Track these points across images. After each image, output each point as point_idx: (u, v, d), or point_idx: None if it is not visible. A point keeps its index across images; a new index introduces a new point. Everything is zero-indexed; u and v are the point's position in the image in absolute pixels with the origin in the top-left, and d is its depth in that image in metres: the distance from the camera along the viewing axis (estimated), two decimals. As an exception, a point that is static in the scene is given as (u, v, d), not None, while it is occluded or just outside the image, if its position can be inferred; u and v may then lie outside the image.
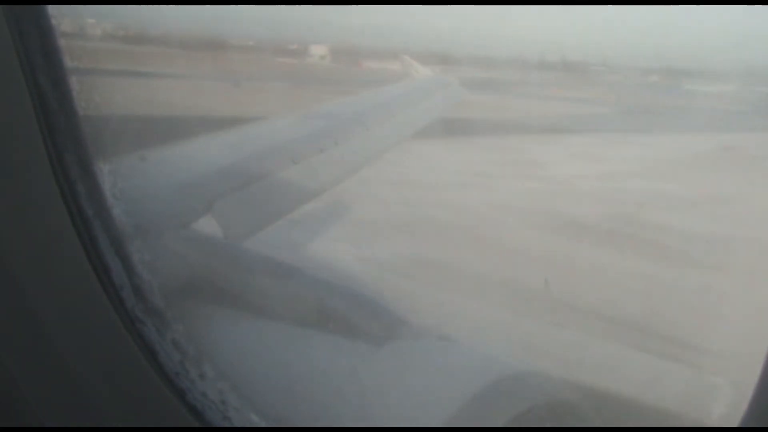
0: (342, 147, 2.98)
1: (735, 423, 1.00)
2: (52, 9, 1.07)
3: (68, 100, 1.12)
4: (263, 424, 1.24)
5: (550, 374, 1.77)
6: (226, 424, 1.19)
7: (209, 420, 1.18)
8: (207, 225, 2.34)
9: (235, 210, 2.48)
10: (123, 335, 1.16)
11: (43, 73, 1.07)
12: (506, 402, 1.61)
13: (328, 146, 2.90)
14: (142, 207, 1.60)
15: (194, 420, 1.17)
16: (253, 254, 2.35)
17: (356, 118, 3.27)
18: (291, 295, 2.05)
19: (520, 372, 1.73)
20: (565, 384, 1.78)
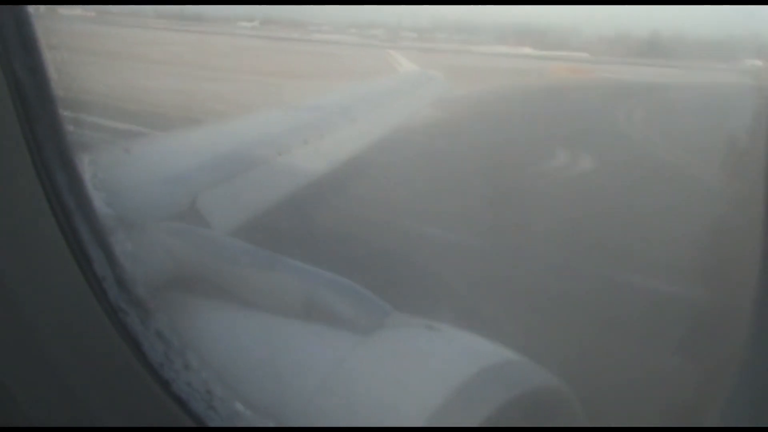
0: (327, 139, 2.97)
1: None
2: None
3: (46, 89, 1.11)
4: (248, 414, 1.24)
5: (539, 362, 1.76)
6: (212, 414, 1.19)
7: (194, 410, 1.17)
8: (191, 216, 2.33)
9: (219, 201, 2.47)
10: (106, 326, 1.15)
11: (20, 62, 1.06)
12: (494, 390, 1.61)
13: (313, 138, 2.89)
14: (124, 198, 1.59)
15: (179, 410, 1.16)
16: (237, 245, 2.35)
17: (342, 110, 3.27)
18: (276, 286, 2.04)
19: (508, 360, 1.72)
20: (553, 372, 1.77)
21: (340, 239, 2.75)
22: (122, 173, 1.82)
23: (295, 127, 2.90)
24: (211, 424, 1.17)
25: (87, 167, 1.20)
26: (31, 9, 1.06)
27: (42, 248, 1.14)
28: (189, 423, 1.16)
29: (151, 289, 1.26)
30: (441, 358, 1.75)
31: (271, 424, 1.29)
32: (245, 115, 3.09)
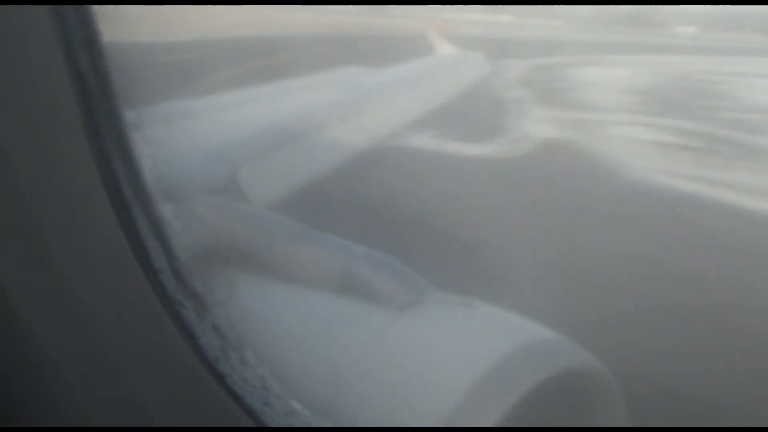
0: (366, 117, 2.95)
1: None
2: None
3: (107, 81, 1.09)
4: (306, 413, 1.24)
5: (575, 341, 1.75)
6: (267, 410, 1.19)
7: (250, 405, 1.17)
8: (231, 190, 2.33)
9: (258, 176, 2.47)
10: (163, 319, 1.15)
11: (83, 56, 1.04)
12: (530, 368, 1.60)
13: (352, 115, 2.87)
14: (169, 172, 1.58)
15: (235, 405, 1.16)
16: (276, 219, 2.35)
17: (380, 89, 3.25)
18: (314, 260, 2.04)
19: (545, 338, 1.71)
20: (589, 351, 1.76)
21: (378, 215, 2.74)
22: (167, 148, 1.82)
23: (333, 103, 2.88)
24: (266, 421, 1.17)
25: (146, 159, 1.19)
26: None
27: (100, 240, 1.13)
28: (244, 419, 1.16)
29: (208, 281, 1.25)
30: (477, 336, 1.74)
31: (328, 424, 1.29)
32: (284, 91, 3.07)
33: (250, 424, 1.15)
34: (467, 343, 1.69)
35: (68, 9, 0.99)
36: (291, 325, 1.78)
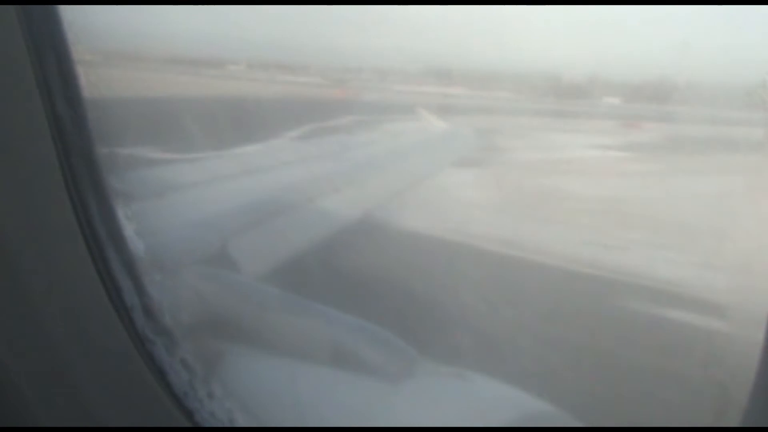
0: (358, 188, 3.01)
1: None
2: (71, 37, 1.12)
3: (83, 122, 1.15)
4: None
5: (569, 412, 1.74)
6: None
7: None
8: (221, 260, 2.36)
9: (249, 246, 2.50)
10: (133, 355, 1.17)
11: (60, 95, 1.11)
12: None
13: (344, 187, 2.93)
14: (157, 237, 1.63)
15: (202, 439, 1.17)
16: (267, 290, 2.36)
17: (371, 160, 3.34)
18: (304, 331, 2.05)
19: (539, 411, 1.70)
20: (583, 422, 1.74)
21: (368, 286, 2.76)
22: (155, 213, 1.87)
23: (327, 174, 2.94)
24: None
25: (120, 198, 1.24)
26: (72, 47, 1.12)
27: (74, 277, 1.17)
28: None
29: (178, 321, 1.28)
30: (471, 408, 1.73)
31: None
32: (278, 161, 3.15)
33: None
34: (460, 417, 1.68)
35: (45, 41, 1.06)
36: (281, 395, 1.78)
